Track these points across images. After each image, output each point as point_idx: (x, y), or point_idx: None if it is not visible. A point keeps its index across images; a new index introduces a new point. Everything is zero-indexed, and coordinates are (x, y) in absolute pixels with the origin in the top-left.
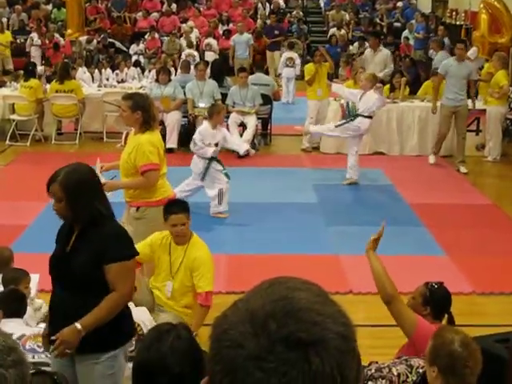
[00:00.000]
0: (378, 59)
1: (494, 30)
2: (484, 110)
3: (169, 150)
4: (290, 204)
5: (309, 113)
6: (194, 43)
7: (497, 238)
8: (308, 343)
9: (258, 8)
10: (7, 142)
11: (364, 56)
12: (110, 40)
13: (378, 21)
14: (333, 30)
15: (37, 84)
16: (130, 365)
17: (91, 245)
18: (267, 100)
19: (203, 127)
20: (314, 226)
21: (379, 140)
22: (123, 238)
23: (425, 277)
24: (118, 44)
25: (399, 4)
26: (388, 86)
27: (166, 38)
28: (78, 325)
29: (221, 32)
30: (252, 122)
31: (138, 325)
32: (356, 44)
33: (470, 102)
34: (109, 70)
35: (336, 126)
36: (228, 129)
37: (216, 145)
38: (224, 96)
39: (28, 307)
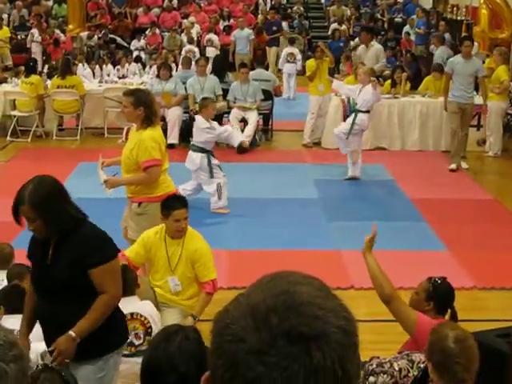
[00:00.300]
0: (371, 54)
1: (494, 26)
2: (486, 106)
3: (170, 146)
4: (292, 199)
5: (310, 108)
6: (195, 39)
7: (498, 233)
8: (309, 337)
9: (259, 3)
10: (8, 138)
11: (357, 51)
12: (111, 36)
13: (378, 16)
14: (334, 26)
15: (38, 80)
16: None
17: (71, 252)
18: (268, 96)
19: (199, 121)
20: (316, 222)
21: (380, 135)
22: (101, 239)
23: (426, 272)
24: (118, 40)
25: None
26: (389, 81)
27: (166, 33)
28: (72, 333)
29: (222, 28)
30: (253, 118)
31: (145, 318)
32: (357, 39)
33: (477, 98)
34: (110, 66)
35: (347, 137)
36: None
37: None
38: (225, 92)
39: None
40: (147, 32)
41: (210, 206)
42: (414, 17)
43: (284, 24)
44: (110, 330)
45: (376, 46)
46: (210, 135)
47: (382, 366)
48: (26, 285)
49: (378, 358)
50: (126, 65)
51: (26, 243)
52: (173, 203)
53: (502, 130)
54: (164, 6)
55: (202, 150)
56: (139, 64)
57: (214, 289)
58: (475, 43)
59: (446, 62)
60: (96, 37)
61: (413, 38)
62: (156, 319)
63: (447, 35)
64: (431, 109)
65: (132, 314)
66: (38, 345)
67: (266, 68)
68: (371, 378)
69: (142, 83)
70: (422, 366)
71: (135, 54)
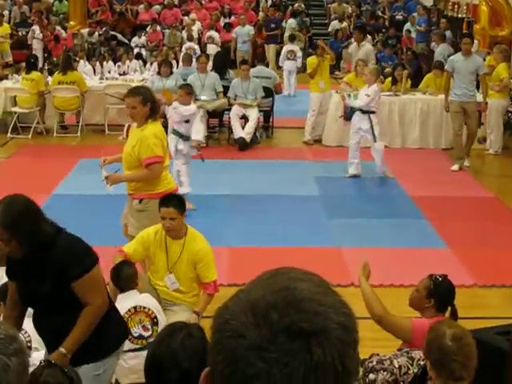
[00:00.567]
0: (361, 53)
1: (494, 23)
2: (486, 103)
3: None
4: (292, 197)
5: (311, 105)
6: (196, 36)
7: (498, 230)
8: (310, 333)
9: (260, 1)
10: (9, 134)
11: (349, 49)
12: (112, 33)
13: (379, 13)
14: (334, 23)
15: (38, 76)
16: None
17: (50, 266)
18: (269, 93)
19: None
20: (316, 219)
21: (381, 133)
22: (78, 250)
23: (426, 269)
24: (119, 37)
25: None
26: (390, 78)
27: (167, 30)
28: (62, 349)
29: (222, 25)
30: (254, 115)
31: (149, 309)
32: (369, 38)
33: (479, 96)
34: (110, 63)
35: (375, 138)
36: (230, 121)
37: (187, 121)
38: (226, 89)
39: None
40: (148, 29)
41: None
42: (415, 14)
43: (292, 21)
44: (104, 335)
45: (367, 46)
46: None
47: (382, 363)
48: None
49: (378, 355)
50: (127, 62)
51: None
52: (163, 200)
53: (503, 127)
54: (165, 3)
55: (175, 133)
56: (140, 61)
57: (215, 290)
58: (475, 41)
59: (447, 60)
60: (97, 33)
61: (414, 35)
62: (159, 309)
63: (448, 33)
64: (432, 106)
65: (135, 308)
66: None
67: (267, 65)
68: (371, 375)
69: (142, 80)
70: (421, 363)
71: (136, 50)
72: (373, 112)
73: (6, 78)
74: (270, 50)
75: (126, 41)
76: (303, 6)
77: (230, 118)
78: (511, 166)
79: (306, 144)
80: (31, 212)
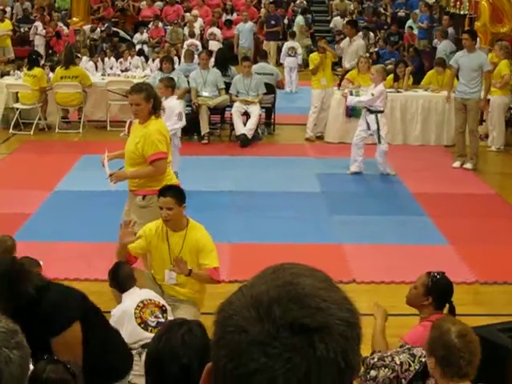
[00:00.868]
0: (352, 49)
1: (495, 20)
2: (488, 100)
3: None
4: (294, 193)
5: (313, 102)
6: (198, 32)
7: (500, 227)
8: (313, 329)
9: None
10: (11, 130)
11: (341, 44)
12: (114, 29)
13: (381, 10)
14: (336, 20)
15: (40, 73)
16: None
17: (31, 323)
18: (271, 89)
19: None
20: (318, 215)
21: None
22: (56, 308)
23: (428, 266)
24: (121, 33)
25: None
26: (392, 75)
27: (169, 27)
28: None
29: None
30: (256, 111)
31: (155, 300)
32: (360, 34)
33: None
34: (112, 59)
35: (380, 140)
36: (232, 118)
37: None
38: (228, 85)
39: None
40: (150, 25)
41: None
42: (417, 11)
43: (300, 18)
44: (103, 372)
45: (358, 41)
46: None
47: (383, 359)
48: None
49: (380, 351)
50: (129, 58)
51: (29, 236)
52: (161, 190)
53: (505, 124)
54: (167, 0)
55: None
56: (142, 57)
57: (217, 276)
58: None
59: (449, 56)
60: (99, 29)
61: (416, 32)
62: (161, 298)
63: (450, 29)
64: (434, 103)
65: (143, 302)
66: None
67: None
68: (372, 372)
69: (144, 76)
70: (423, 360)
71: (138, 47)
72: (380, 112)
73: (7, 74)
74: (271, 46)
75: (128, 37)
76: (305, 2)
77: (231, 114)
78: None
79: (307, 141)
80: (14, 274)
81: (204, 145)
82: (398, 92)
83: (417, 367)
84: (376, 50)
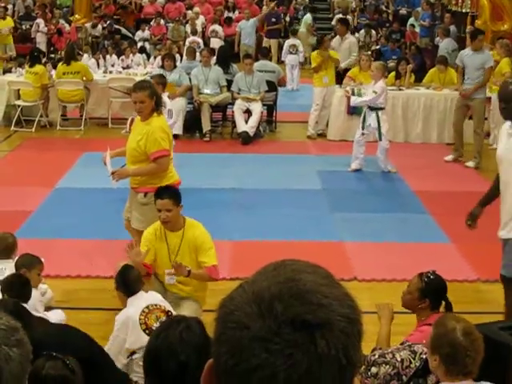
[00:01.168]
0: (344, 47)
1: (495, 18)
2: (489, 98)
3: (174, 137)
4: (295, 190)
5: (314, 99)
6: (200, 30)
7: None
8: (314, 325)
9: None
10: (12, 127)
11: (332, 42)
12: (116, 26)
13: (383, 8)
14: (338, 17)
15: (42, 70)
16: None
17: None
18: (272, 87)
19: None
20: (319, 213)
21: None
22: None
23: (429, 264)
24: (123, 30)
25: None
26: (393, 73)
27: (171, 24)
28: None
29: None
30: (257, 109)
31: (161, 305)
32: (362, 32)
33: (488, 93)
34: (114, 56)
35: (381, 137)
36: (233, 115)
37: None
38: (229, 82)
39: (36, 292)
40: (152, 23)
41: None
42: (419, 9)
43: (308, 16)
44: None
45: (350, 38)
46: None
47: (384, 356)
48: (34, 275)
49: (381, 348)
50: (131, 55)
51: (30, 233)
52: (158, 192)
53: None
54: None
55: None
56: (144, 55)
57: (216, 274)
58: None
59: (451, 54)
60: (100, 26)
61: (418, 30)
62: (167, 303)
63: (452, 27)
64: (435, 101)
65: (148, 307)
66: None
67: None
68: (373, 369)
69: (146, 74)
70: (423, 356)
71: (140, 44)
72: (381, 108)
73: (9, 71)
74: (272, 44)
75: (130, 34)
76: (307, 0)
77: (233, 111)
78: None
79: (309, 138)
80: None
81: (206, 142)
82: (400, 90)
83: (417, 364)
84: (378, 47)
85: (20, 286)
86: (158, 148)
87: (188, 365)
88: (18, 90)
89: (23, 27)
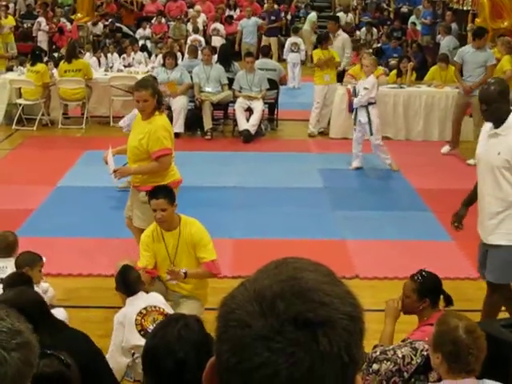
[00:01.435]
0: (336, 44)
1: (495, 15)
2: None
3: (175, 135)
4: (296, 189)
5: (316, 98)
6: (201, 28)
7: None
8: (316, 323)
9: None
10: (14, 126)
11: None
12: (117, 25)
13: (384, 6)
14: (340, 15)
15: (43, 68)
16: None
17: None
18: (274, 85)
19: None
20: (320, 211)
21: (385, 125)
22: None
23: (431, 262)
24: (124, 29)
25: None
26: (395, 71)
27: (172, 22)
28: None
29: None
30: (259, 107)
31: (160, 307)
32: (363, 29)
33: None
34: (115, 55)
35: (371, 132)
36: (235, 114)
37: None
38: (231, 81)
39: (38, 290)
40: (153, 21)
41: None
42: (420, 7)
43: (313, 15)
44: None
45: (342, 35)
46: None
47: (385, 353)
48: (36, 272)
49: (382, 345)
50: (132, 54)
51: (31, 232)
52: (152, 192)
53: None
54: None
55: None
56: (145, 53)
57: (214, 269)
58: None
59: (453, 52)
60: (101, 24)
61: (419, 28)
62: (167, 305)
63: (454, 25)
64: (437, 99)
65: (146, 308)
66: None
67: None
68: (374, 366)
69: (147, 72)
70: (425, 353)
71: (141, 42)
72: (371, 104)
73: (11, 69)
74: (271, 42)
75: (131, 33)
76: None
77: (234, 110)
78: None
79: (310, 136)
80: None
81: (207, 140)
82: (401, 88)
83: (419, 360)
84: (379, 45)
85: (22, 285)
86: (160, 147)
87: (186, 362)
88: (20, 88)
89: (25, 26)
